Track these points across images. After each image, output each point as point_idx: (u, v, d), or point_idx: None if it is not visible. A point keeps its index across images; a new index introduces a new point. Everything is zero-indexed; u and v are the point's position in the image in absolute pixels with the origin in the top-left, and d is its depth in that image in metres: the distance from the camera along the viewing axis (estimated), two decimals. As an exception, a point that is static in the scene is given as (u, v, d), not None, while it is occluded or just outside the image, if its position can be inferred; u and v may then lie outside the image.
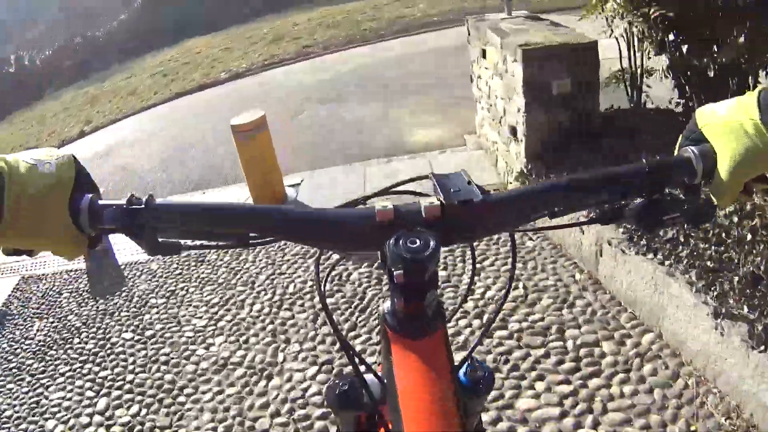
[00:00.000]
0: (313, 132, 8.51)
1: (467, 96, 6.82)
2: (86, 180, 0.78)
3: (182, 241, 0.77)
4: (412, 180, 0.93)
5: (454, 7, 16.45)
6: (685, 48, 4.50)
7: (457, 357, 0.87)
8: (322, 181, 6.34)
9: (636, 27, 4.71)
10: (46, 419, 3.60)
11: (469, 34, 6.40)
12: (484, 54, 5.77)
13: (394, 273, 0.68)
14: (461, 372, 0.94)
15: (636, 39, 4.99)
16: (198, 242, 0.81)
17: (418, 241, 0.69)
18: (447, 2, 17.24)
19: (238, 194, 6.51)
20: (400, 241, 0.69)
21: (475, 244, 1.12)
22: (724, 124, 0.77)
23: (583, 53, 4.51)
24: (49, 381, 3.98)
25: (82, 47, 25.94)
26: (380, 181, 6.11)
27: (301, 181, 6.47)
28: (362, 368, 0.89)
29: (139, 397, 3.56)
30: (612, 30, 5.07)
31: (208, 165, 8.23)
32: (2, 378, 4.12)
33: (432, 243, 0.69)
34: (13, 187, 0.70)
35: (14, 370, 4.20)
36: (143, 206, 0.73)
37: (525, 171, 4.79)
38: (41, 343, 4.47)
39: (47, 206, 0.71)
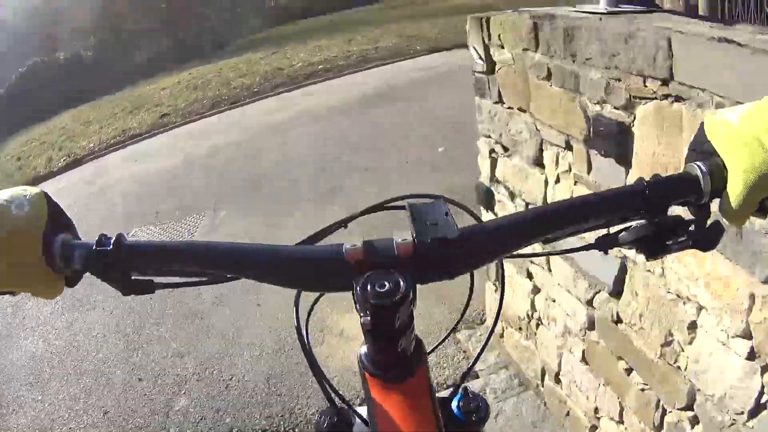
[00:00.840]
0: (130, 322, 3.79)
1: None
2: (59, 217, 0.67)
3: (156, 280, 0.66)
4: (388, 202, 0.75)
5: (340, 53, 12.48)
6: None
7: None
8: None
9: None
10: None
11: (485, 73, 1.88)
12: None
13: (361, 320, 0.57)
14: (453, 404, 0.77)
15: None
16: (173, 280, 0.69)
17: (387, 284, 0.56)
18: (331, 48, 13.26)
19: None
20: (368, 285, 0.56)
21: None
22: (737, 136, 0.60)
23: None
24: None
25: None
26: None
27: None
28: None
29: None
30: None
31: None
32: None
33: (402, 286, 0.56)
34: None
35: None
36: (110, 247, 0.62)
37: None
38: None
39: (20, 250, 0.62)
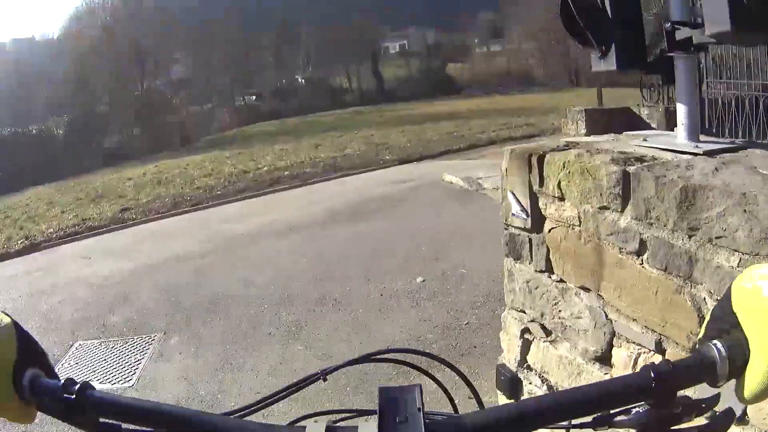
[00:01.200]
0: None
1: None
2: (30, 348, 0.63)
3: (124, 425, 0.62)
4: (362, 360, 0.70)
5: (307, 158, 12.25)
6: None
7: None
8: None
9: None
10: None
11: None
12: None
13: None
14: None
15: None
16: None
17: None
18: (298, 153, 13.04)
19: None
20: None
21: None
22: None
23: None
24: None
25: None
26: None
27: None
28: None
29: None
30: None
31: None
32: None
33: None
34: None
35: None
36: (74, 397, 0.59)
37: None
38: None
39: None
